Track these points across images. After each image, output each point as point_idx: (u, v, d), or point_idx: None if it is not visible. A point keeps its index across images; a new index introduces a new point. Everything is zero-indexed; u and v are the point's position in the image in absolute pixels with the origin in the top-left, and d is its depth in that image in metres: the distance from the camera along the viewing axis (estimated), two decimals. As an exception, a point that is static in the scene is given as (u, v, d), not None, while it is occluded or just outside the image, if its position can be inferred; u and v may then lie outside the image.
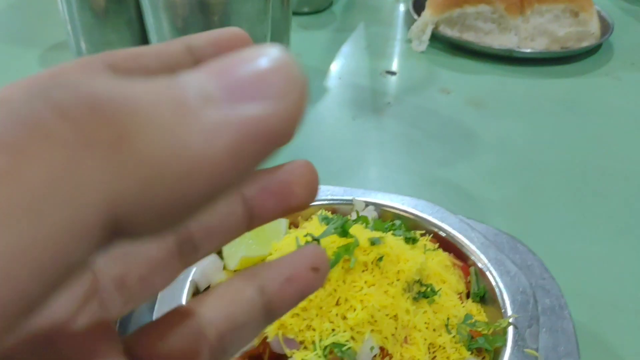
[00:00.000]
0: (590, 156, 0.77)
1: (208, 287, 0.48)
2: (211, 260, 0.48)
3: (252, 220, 0.20)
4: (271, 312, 0.19)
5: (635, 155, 0.78)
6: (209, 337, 0.18)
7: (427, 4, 1.04)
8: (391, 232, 0.48)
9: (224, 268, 0.48)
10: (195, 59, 0.18)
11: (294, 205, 0.20)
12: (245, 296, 0.19)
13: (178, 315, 0.18)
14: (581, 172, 0.74)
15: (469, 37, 1.01)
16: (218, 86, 0.11)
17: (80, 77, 0.10)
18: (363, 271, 0.42)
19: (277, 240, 0.47)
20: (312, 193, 0.20)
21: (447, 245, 0.52)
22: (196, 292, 0.47)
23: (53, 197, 0.09)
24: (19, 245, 0.09)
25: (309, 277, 0.19)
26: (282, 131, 0.11)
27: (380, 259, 0.42)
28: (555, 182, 0.73)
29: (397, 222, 0.50)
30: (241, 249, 0.46)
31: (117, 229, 0.10)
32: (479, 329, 0.44)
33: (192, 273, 0.47)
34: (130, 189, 0.10)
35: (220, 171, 0.11)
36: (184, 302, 0.45)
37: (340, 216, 0.49)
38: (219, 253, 0.49)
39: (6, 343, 0.09)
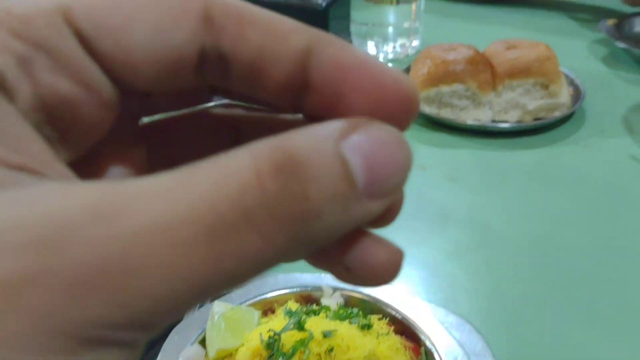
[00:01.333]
0: (553, 228, 0.84)
1: (193, 373, 0.56)
2: (195, 350, 0.56)
3: None
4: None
5: (597, 225, 0.84)
6: None
7: (407, 84, 1.13)
8: (348, 320, 0.56)
9: (206, 356, 0.56)
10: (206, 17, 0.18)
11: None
12: None
13: None
14: (543, 246, 0.81)
15: (446, 113, 1.09)
16: (364, 182, 0.15)
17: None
18: (317, 361, 0.50)
19: (249, 331, 0.55)
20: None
21: (403, 327, 0.59)
22: (183, 378, 0.55)
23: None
24: None
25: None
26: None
27: (332, 349, 0.50)
28: (518, 258, 0.79)
29: (355, 310, 0.58)
30: (218, 341, 0.54)
31: None
32: (422, 408, 0.51)
33: (179, 361, 0.55)
34: None
35: (331, 239, 0.15)
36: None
37: (303, 308, 0.57)
38: (202, 343, 0.57)
39: None
